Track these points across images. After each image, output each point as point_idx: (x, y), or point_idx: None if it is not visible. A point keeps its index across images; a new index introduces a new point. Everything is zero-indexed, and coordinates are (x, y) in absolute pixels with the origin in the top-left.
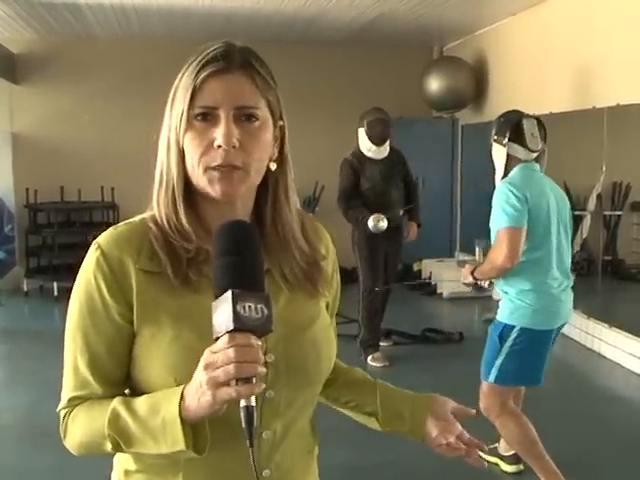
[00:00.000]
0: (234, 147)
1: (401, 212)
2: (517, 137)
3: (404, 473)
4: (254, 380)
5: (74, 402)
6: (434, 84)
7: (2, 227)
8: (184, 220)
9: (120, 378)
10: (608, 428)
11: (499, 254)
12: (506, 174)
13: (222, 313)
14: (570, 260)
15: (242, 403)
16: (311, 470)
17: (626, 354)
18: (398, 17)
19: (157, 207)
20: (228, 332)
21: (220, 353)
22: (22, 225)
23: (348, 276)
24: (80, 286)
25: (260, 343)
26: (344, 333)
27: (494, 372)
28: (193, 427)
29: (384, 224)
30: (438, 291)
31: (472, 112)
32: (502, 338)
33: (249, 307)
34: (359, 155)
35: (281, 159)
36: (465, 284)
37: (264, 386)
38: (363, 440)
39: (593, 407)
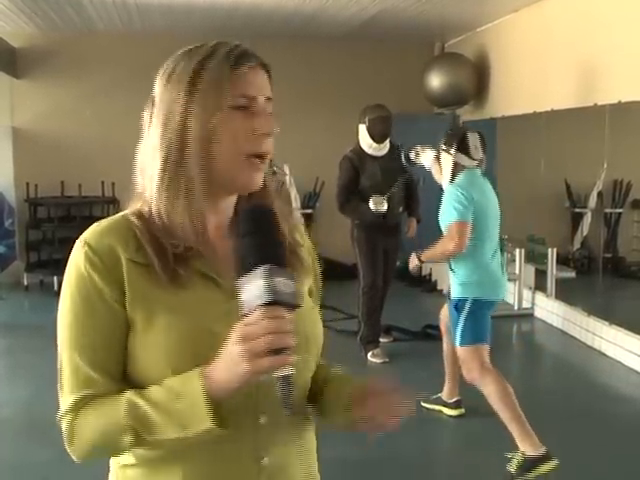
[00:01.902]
0: (270, 137)
1: (401, 209)
2: (462, 148)
3: (404, 468)
4: (287, 351)
5: (79, 405)
6: (435, 80)
7: (2, 221)
8: (202, 214)
9: (120, 372)
10: (608, 426)
11: (450, 243)
12: (452, 178)
13: (254, 288)
14: (498, 248)
15: (278, 373)
16: (310, 454)
17: (626, 352)
18: (399, 13)
19: (156, 202)
20: (262, 305)
21: (256, 325)
22: (22, 219)
23: (348, 272)
24: (71, 283)
25: (291, 317)
26: (344, 329)
27: (459, 337)
28: (218, 405)
29: (385, 206)
30: (438, 287)
31: (473, 109)
32: (458, 309)
33: (280, 282)
34: (359, 152)
35: None
36: (412, 268)
37: (296, 357)
38: (363, 435)
39: (593, 405)
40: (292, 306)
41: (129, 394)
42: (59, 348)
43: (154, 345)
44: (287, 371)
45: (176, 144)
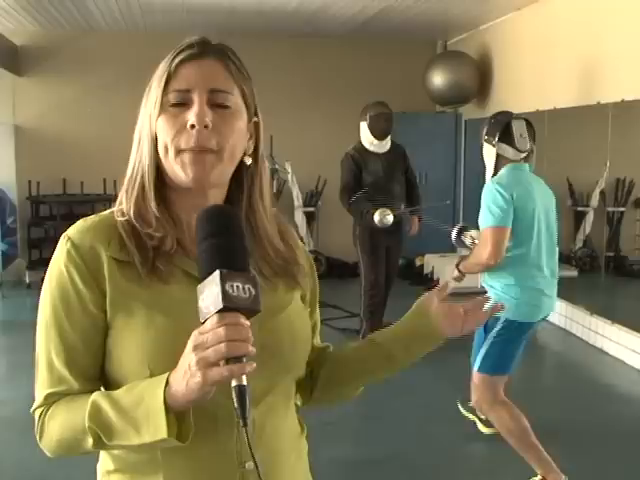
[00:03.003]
0: (206, 127)
1: (403, 206)
2: (506, 137)
3: (403, 468)
4: (244, 359)
5: (50, 399)
6: (438, 79)
7: (4, 219)
8: (153, 208)
9: (96, 372)
10: (611, 425)
11: (484, 252)
12: (496, 172)
13: (210, 294)
14: (557, 257)
15: (234, 383)
16: (299, 455)
17: (629, 350)
18: (401, 11)
19: (126, 198)
20: (218, 312)
21: (210, 333)
22: (24, 217)
23: (350, 271)
24: (52, 280)
25: (249, 323)
26: (346, 327)
27: (478, 360)
28: (177, 415)
29: (390, 218)
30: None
31: (476, 107)
32: (487, 329)
33: (237, 287)
34: (361, 149)
35: (256, 156)
36: (454, 279)
37: (255, 365)
38: (362, 435)
39: (595, 404)
40: (251, 311)
41: (96, 395)
42: (37, 340)
43: (131, 342)
44: (242, 381)
45: (136, 141)
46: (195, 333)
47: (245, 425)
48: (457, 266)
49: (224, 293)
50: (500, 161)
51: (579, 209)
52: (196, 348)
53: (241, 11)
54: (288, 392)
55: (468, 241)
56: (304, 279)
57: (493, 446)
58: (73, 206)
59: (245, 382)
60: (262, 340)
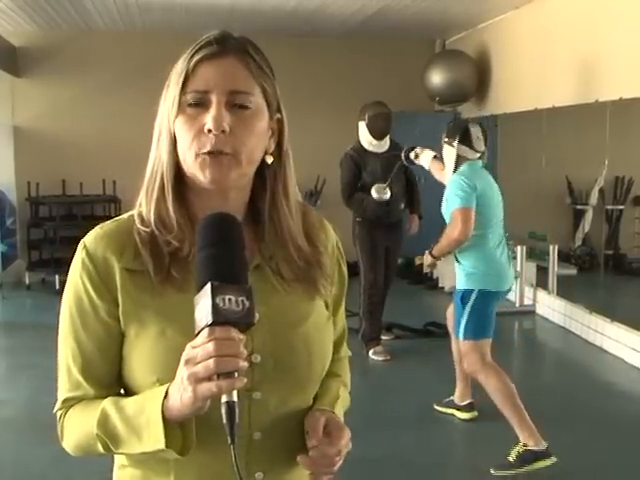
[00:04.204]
0: (224, 132)
1: (402, 205)
2: (465, 140)
3: (403, 468)
4: (236, 375)
5: (68, 403)
6: (436, 77)
7: (4, 220)
8: (171, 210)
9: (112, 379)
10: (610, 422)
11: (455, 230)
12: (455, 170)
13: (202, 307)
14: (503, 233)
15: (223, 398)
16: None
17: (628, 348)
18: (400, 10)
19: (146, 200)
20: (208, 326)
21: (200, 348)
22: (24, 218)
23: (349, 270)
24: (69, 289)
25: (242, 337)
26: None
27: (462, 330)
28: (181, 427)
29: (387, 194)
30: (440, 285)
31: (474, 106)
32: (463, 301)
33: (229, 300)
34: (360, 149)
35: (279, 153)
36: (428, 266)
37: (246, 380)
38: (362, 435)
39: (595, 401)
40: (243, 324)
41: (106, 402)
42: (58, 343)
43: (142, 352)
44: (232, 397)
45: (156, 137)
46: (188, 347)
47: (233, 442)
48: (430, 253)
49: (214, 307)
50: (459, 160)
51: (578, 207)
52: (187, 362)
53: (240, 10)
54: (303, 407)
55: (413, 155)
56: (327, 284)
57: (491, 447)
58: (72, 207)
59: (235, 398)
60: (276, 354)
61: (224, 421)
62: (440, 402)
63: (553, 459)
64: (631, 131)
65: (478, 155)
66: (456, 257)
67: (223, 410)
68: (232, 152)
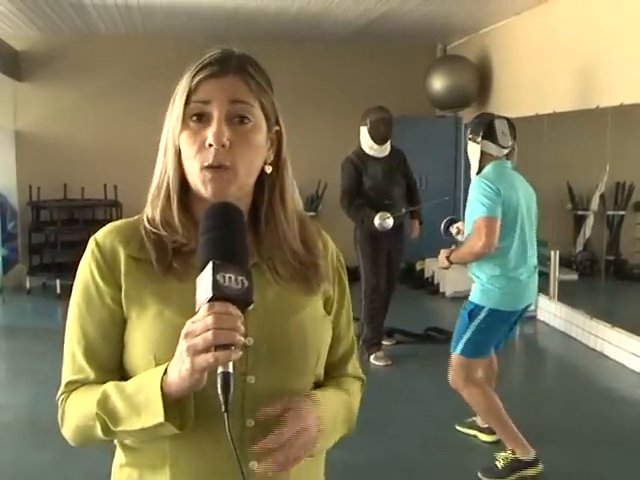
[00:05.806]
0: (224, 147)
1: (403, 210)
2: (489, 135)
3: (401, 471)
4: (232, 348)
5: (71, 387)
6: (438, 83)
7: (5, 224)
8: (176, 216)
9: (114, 365)
10: (611, 428)
11: (478, 241)
12: (480, 170)
13: (203, 284)
14: (535, 250)
15: (219, 369)
16: (313, 461)
17: (629, 354)
18: (402, 15)
19: (152, 207)
20: (208, 301)
21: (199, 321)
22: (25, 222)
23: (351, 275)
24: (78, 277)
25: (240, 314)
26: None
27: (461, 345)
28: (179, 404)
29: (390, 222)
30: (441, 290)
31: (475, 111)
32: (471, 316)
33: (229, 277)
34: (361, 154)
35: (277, 163)
36: (441, 267)
37: (241, 353)
38: (360, 438)
39: (596, 407)
40: (242, 302)
41: (108, 385)
42: (66, 331)
43: (141, 333)
44: (228, 368)
45: (162, 150)
46: (188, 322)
47: (227, 410)
48: (447, 258)
49: (214, 282)
50: (484, 158)
51: (579, 213)
52: (187, 336)
53: (243, 14)
54: (302, 393)
55: (454, 231)
56: (322, 283)
57: (493, 452)
58: (74, 211)
59: (231, 369)
60: (270, 339)
61: (219, 391)
62: (462, 422)
63: (540, 467)
64: (632, 137)
65: (505, 152)
66: (472, 270)
67: (219, 380)
68: (232, 165)
